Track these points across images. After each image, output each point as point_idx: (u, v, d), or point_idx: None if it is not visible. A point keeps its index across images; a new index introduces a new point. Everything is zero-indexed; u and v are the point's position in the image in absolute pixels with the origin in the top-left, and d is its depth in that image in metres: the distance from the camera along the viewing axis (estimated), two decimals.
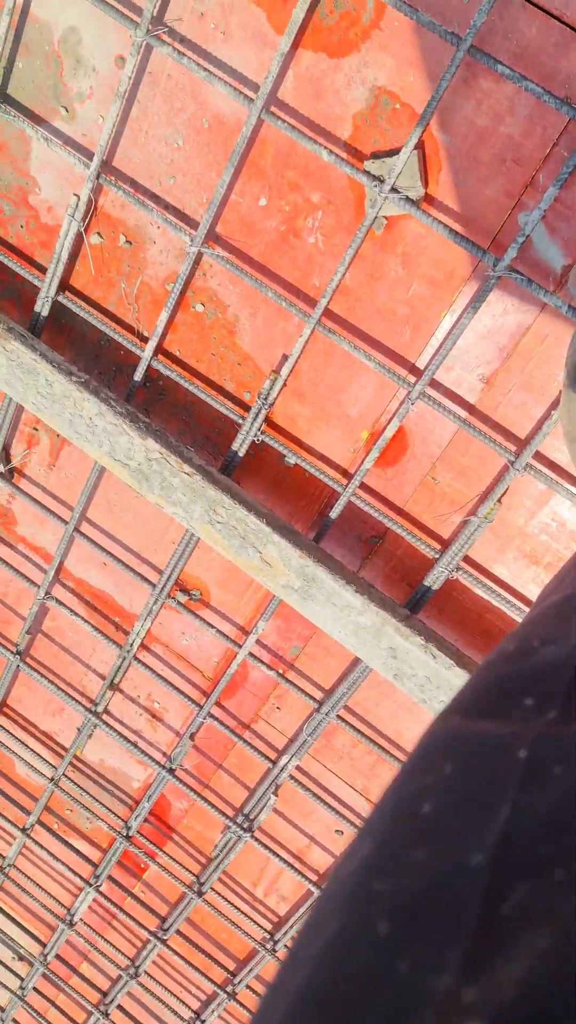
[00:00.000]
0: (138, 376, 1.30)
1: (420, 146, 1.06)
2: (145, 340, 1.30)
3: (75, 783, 1.75)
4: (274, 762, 1.52)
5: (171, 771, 1.60)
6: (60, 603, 1.57)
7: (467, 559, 1.24)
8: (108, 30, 1.15)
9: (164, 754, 1.64)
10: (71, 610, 1.57)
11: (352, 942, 0.34)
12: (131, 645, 1.53)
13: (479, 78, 1.02)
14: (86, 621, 1.56)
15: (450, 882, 0.34)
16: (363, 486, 1.27)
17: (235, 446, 1.28)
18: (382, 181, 1.06)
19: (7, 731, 1.78)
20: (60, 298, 1.32)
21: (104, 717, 1.66)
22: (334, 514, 1.26)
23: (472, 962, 0.31)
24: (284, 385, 1.25)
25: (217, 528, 1.26)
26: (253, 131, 1.13)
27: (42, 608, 1.62)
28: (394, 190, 1.06)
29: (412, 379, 1.17)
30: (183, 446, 1.26)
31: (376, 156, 1.09)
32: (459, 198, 1.07)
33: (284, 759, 1.51)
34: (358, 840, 0.40)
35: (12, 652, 1.65)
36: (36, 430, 1.46)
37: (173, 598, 1.47)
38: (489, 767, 0.39)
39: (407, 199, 1.07)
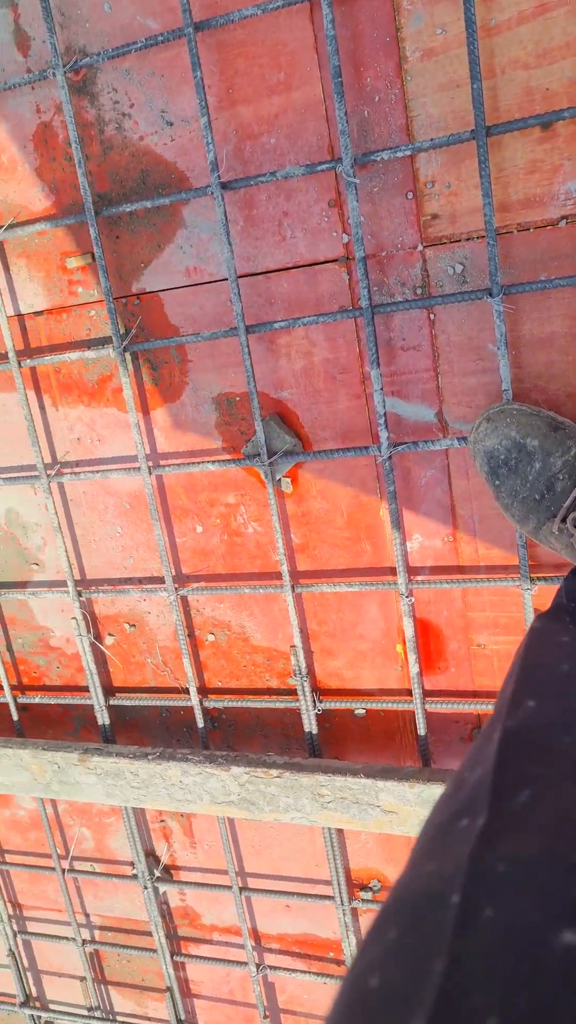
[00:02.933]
0: (200, 723, 1.38)
1: (273, 411, 1.22)
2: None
3: None
4: None
5: None
6: (275, 968, 1.52)
7: None
8: (27, 496, 1.40)
9: None
10: (288, 970, 1.51)
11: None
12: None
13: (277, 339, 1.19)
14: (307, 973, 1.50)
15: None
16: (431, 692, 1.27)
17: (306, 728, 1.32)
18: (260, 456, 1.20)
19: None
20: (112, 702, 1.45)
21: None
22: (421, 731, 1.25)
23: None
24: (311, 651, 1.31)
25: (331, 808, 1.25)
26: (157, 487, 1.31)
27: (268, 985, 1.57)
28: (272, 454, 1.20)
29: (395, 579, 1.22)
30: (263, 755, 1.30)
31: (248, 441, 1.24)
32: (325, 424, 1.20)
33: None
34: None
35: None
36: (163, 821, 1.53)
37: (359, 899, 1.41)
38: (427, 921, 0.40)
39: (287, 453, 1.20)
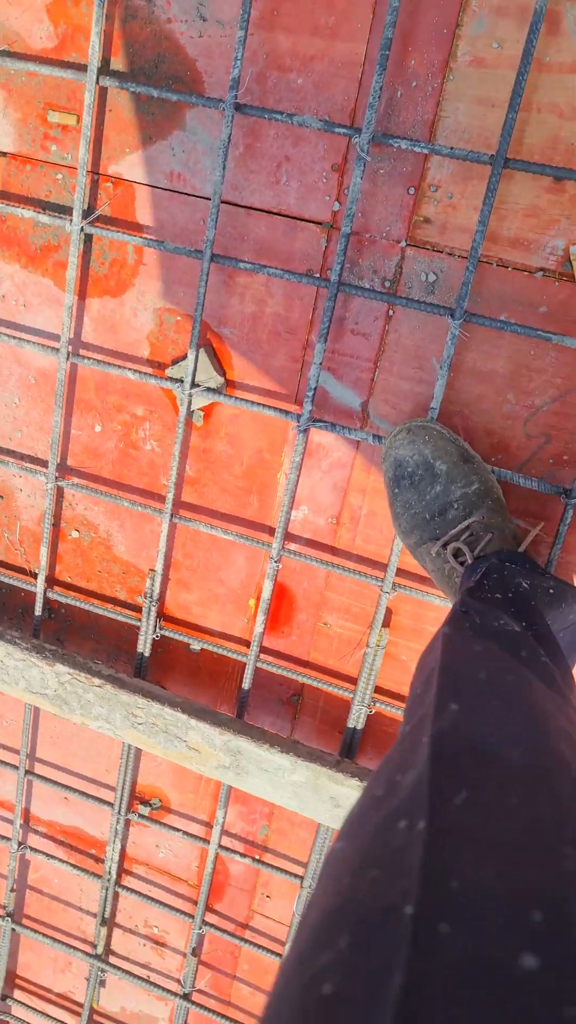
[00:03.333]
0: (38, 611, 1.39)
1: (208, 343, 1.21)
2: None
3: None
4: (282, 955, 1.46)
5: (187, 997, 1.54)
6: (35, 850, 1.57)
7: (381, 690, 1.27)
8: None
9: (178, 980, 1.58)
10: (48, 855, 1.56)
11: None
12: (110, 873, 1.51)
13: (236, 277, 1.17)
14: (65, 862, 1.56)
15: None
16: (267, 650, 1.32)
17: (140, 648, 1.35)
18: (183, 382, 1.19)
19: (26, 1005, 1.71)
20: None
21: (111, 959, 1.61)
22: (246, 685, 1.30)
23: None
24: (168, 579, 1.33)
25: (140, 729, 1.29)
26: (69, 374, 1.28)
27: (23, 862, 1.62)
28: (196, 385, 1.19)
29: (271, 540, 1.25)
30: (91, 662, 1.32)
31: (175, 362, 1.23)
32: (255, 375, 1.20)
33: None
34: None
35: (3, 916, 1.62)
36: None
37: (136, 813, 1.48)
38: (381, 931, 0.40)
39: (209, 389, 1.19)
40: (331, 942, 0.42)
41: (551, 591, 0.95)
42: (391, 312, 1.12)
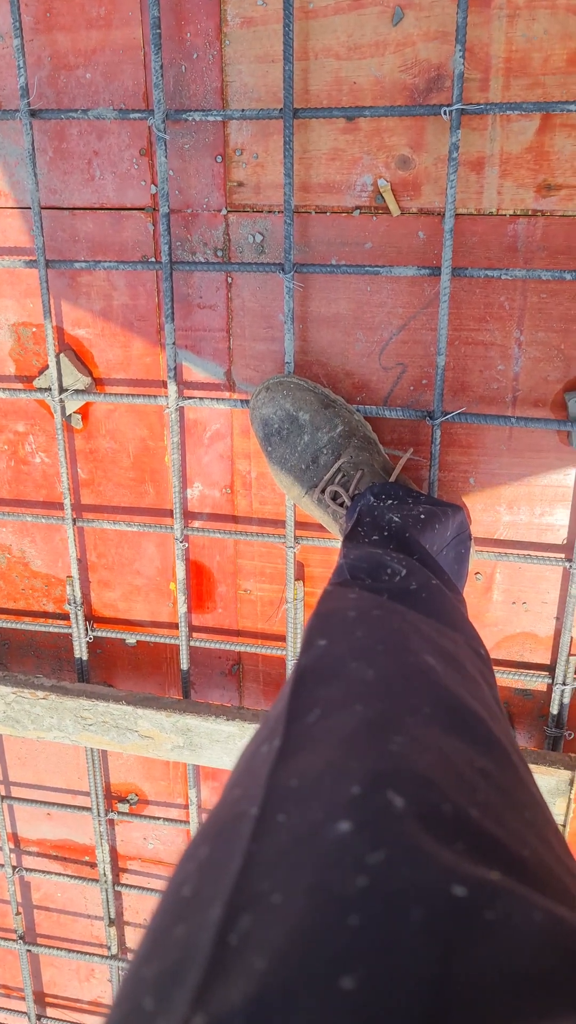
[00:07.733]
0: None
1: (68, 347, 1.23)
2: None
3: None
4: None
5: None
6: (32, 870, 1.60)
7: None
8: None
9: None
10: (44, 872, 1.60)
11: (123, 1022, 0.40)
12: (105, 875, 1.55)
13: (78, 277, 1.19)
14: (62, 875, 1.59)
15: (195, 940, 0.39)
16: (198, 628, 1.35)
17: (76, 654, 1.38)
18: (51, 390, 1.22)
19: (62, 1020, 1.75)
20: None
21: (129, 957, 1.65)
22: (184, 665, 1.34)
23: (202, 992, 0.36)
24: (89, 582, 1.36)
25: (93, 730, 1.33)
26: None
27: (23, 884, 1.65)
28: (64, 390, 1.22)
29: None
30: (32, 676, 1.35)
31: (41, 373, 1.25)
32: (119, 368, 1.23)
33: None
34: (141, 939, 0.45)
35: (15, 940, 1.66)
36: None
37: (116, 811, 1.51)
38: (231, 832, 0.45)
39: (78, 391, 1.22)
40: (195, 854, 0.46)
41: (422, 516, 0.98)
42: (230, 280, 1.15)
